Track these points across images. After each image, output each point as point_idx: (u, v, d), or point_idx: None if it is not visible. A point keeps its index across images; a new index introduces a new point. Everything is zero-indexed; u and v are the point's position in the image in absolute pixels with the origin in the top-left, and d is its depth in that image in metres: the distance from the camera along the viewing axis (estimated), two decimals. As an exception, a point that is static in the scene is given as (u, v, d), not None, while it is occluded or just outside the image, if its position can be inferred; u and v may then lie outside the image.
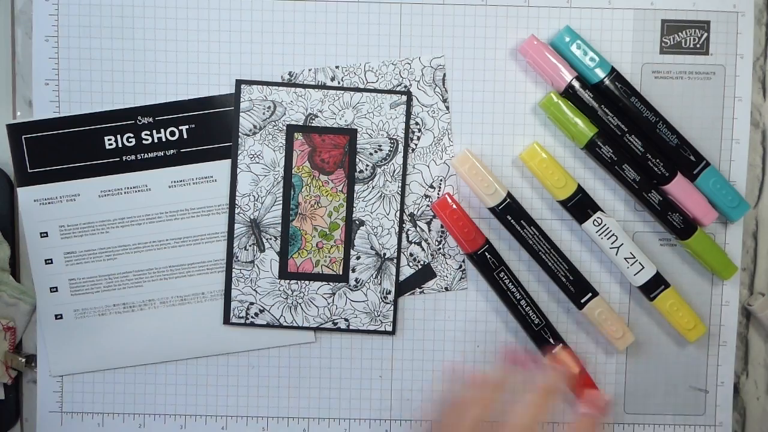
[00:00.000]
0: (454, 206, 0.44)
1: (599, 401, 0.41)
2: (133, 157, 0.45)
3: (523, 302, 0.45)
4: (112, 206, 0.45)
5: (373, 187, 0.46)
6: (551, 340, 0.45)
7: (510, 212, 0.44)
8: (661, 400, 0.47)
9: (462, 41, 0.45)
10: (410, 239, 0.46)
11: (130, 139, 0.45)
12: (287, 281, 0.46)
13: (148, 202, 0.45)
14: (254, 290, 0.46)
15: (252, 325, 0.46)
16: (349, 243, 0.46)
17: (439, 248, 0.46)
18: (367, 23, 0.45)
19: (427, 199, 0.46)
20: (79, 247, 0.45)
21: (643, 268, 0.45)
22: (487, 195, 0.44)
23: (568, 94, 0.44)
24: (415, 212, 0.46)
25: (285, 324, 0.46)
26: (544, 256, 0.45)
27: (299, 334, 0.46)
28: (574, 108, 0.44)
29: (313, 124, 0.45)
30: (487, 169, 0.45)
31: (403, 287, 0.46)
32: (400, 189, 0.46)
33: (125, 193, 0.45)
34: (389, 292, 0.46)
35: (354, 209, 0.46)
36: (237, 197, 0.45)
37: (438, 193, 0.46)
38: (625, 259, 0.45)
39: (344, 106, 0.45)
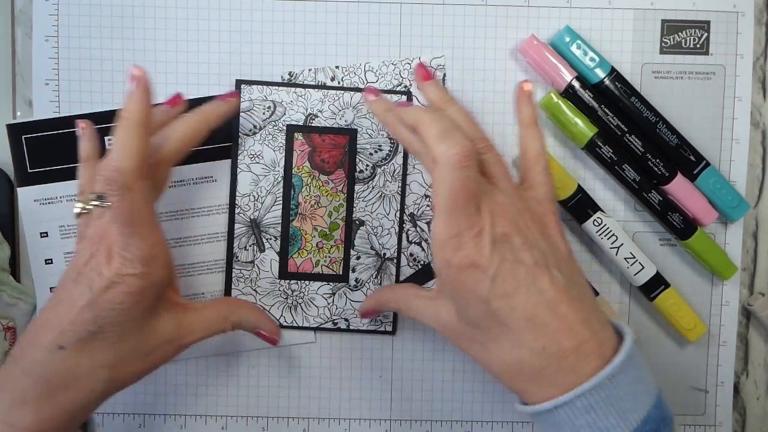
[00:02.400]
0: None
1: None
2: (133, 157, 0.45)
3: (523, 302, 0.45)
4: (112, 206, 0.45)
5: (373, 187, 0.46)
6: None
7: (510, 212, 0.44)
8: (661, 400, 0.47)
9: (462, 41, 0.45)
10: (410, 239, 0.46)
11: (130, 139, 0.45)
12: (287, 281, 0.46)
13: (148, 202, 0.45)
14: (254, 290, 0.46)
15: (252, 325, 0.46)
16: (349, 243, 0.46)
17: (439, 248, 0.46)
18: (367, 23, 0.45)
19: (427, 199, 0.46)
20: (79, 247, 0.45)
21: (643, 268, 0.45)
22: (487, 195, 0.44)
23: (568, 94, 0.44)
24: (415, 212, 0.46)
25: (285, 324, 0.46)
26: (544, 256, 0.45)
27: (299, 334, 0.46)
28: (574, 108, 0.44)
29: (313, 124, 0.45)
30: (487, 169, 0.45)
31: (403, 287, 0.46)
32: (400, 189, 0.46)
33: (125, 193, 0.45)
34: (389, 292, 0.46)
35: (354, 209, 0.46)
36: (237, 197, 0.45)
37: (438, 193, 0.46)
38: (625, 259, 0.45)
39: (344, 106, 0.45)
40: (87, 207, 0.37)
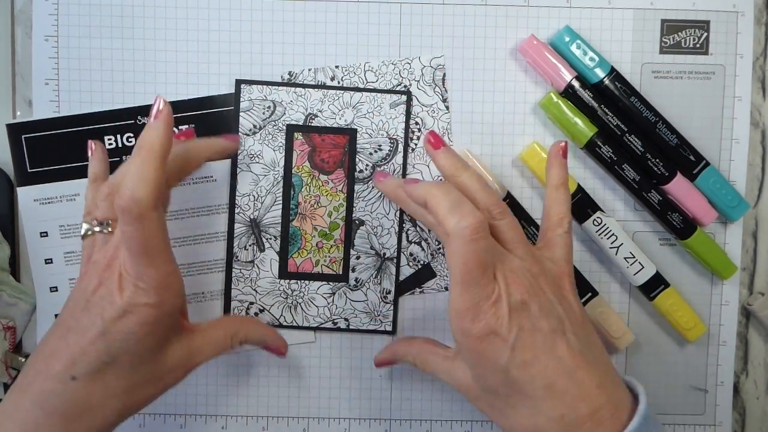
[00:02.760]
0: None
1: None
2: (133, 157, 0.45)
3: (523, 302, 0.45)
4: (112, 206, 0.45)
5: (373, 187, 0.46)
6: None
7: (510, 212, 0.44)
8: (661, 400, 0.47)
9: (462, 41, 0.45)
10: (410, 239, 0.46)
11: (130, 139, 0.45)
12: (287, 281, 0.46)
13: (148, 202, 0.45)
14: (254, 290, 0.46)
15: (252, 325, 0.46)
16: (349, 243, 0.46)
17: (439, 248, 0.46)
18: (367, 23, 0.45)
19: (427, 199, 0.46)
20: (79, 247, 0.45)
21: (643, 267, 0.45)
22: (487, 195, 0.44)
23: (568, 93, 0.44)
24: (415, 212, 0.46)
25: (285, 324, 0.46)
26: (544, 256, 0.45)
27: (299, 334, 0.46)
28: (573, 108, 0.44)
29: (313, 124, 0.45)
30: (486, 168, 0.45)
31: (403, 287, 0.46)
32: (400, 189, 0.46)
33: (125, 193, 0.45)
34: (389, 292, 0.46)
35: (354, 209, 0.46)
36: (237, 197, 0.45)
37: (438, 193, 0.46)
38: (625, 259, 0.45)
39: (344, 105, 0.45)
40: (92, 230, 0.38)
